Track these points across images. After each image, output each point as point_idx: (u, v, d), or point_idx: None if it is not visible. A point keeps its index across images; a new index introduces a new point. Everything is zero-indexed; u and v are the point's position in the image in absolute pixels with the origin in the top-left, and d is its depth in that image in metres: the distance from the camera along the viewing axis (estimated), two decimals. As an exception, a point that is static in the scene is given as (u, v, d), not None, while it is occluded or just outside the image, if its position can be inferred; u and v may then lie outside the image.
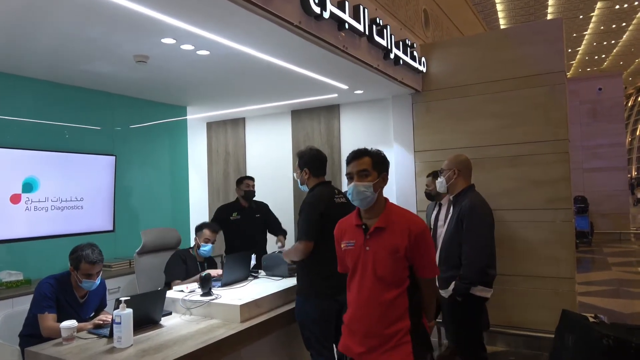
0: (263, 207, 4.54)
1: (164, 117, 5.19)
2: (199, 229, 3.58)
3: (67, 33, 2.87)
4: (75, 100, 4.24)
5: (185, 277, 3.36)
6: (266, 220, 4.47)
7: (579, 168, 11.49)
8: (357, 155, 2.08)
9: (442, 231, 3.17)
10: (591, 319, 2.87)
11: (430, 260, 2.00)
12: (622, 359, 2.46)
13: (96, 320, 2.53)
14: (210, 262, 3.69)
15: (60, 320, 2.45)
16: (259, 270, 3.49)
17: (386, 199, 2.10)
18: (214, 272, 3.14)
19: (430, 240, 2.01)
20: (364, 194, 2.01)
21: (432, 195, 3.96)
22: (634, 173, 35.92)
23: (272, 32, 2.82)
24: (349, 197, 2.09)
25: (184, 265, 3.43)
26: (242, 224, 4.33)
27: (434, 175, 3.81)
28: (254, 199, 4.46)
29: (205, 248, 3.52)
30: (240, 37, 3.00)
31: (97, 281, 2.72)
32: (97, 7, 2.48)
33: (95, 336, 2.37)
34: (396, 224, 1.99)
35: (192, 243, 3.68)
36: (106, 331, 2.37)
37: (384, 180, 2.07)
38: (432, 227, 3.82)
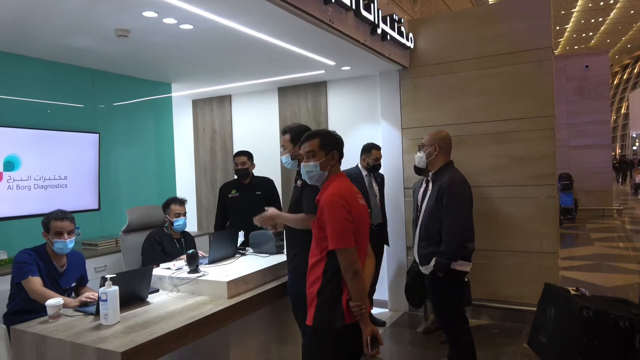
0: (265, 183, 4.30)
1: (149, 94, 5.09)
2: (166, 206, 3.53)
3: (45, 6, 2.78)
4: (57, 77, 4.12)
5: (162, 257, 3.31)
6: (268, 197, 4.20)
7: (565, 145, 11.60)
8: (308, 137, 2.28)
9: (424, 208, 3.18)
10: (572, 292, 2.93)
11: (330, 232, 2.06)
12: (600, 330, 2.53)
13: (82, 298, 2.52)
14: (187, 238, 3.66)
15: None
16: (247, 248, 3.49)
17: (336, 175, 2.25)
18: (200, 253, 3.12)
19: (333, 214, 2.06)
20: (311, 172, 2.24)
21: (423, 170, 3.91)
22: (618, 151, 36.42)
23: (255, 5, 2.75)
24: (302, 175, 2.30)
25: (159, 246, 3.40)
26: (240, 201, 4.16)
27: None
28: (258, 174, 4.28)
29: (179, 222, 3.49)
30: (223, 11, 2.93)
31: (70, 243, 2.73)
32: (75, -22, 2.40)
33: (82, 314, 2.37)
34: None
35: None
36: (92, 308, 2.36)
37: (333, 157, 2.25)
38: (419, 204, 3.84)
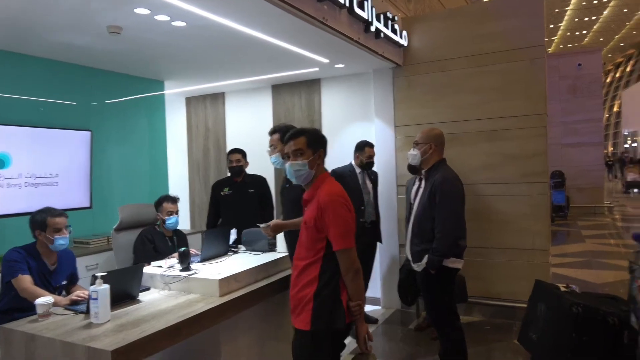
0: (258, 181, 4.28)
1: (141, 91, 5.07)
2: (158, 204, 3.52)
3: (38, 3, 2.76)
4: (49, 74, 4.10)
5: (154, 255, 3.30)
6: (260, 195, 4.21)
7: (557, 143, 11.66)
8: (293, 135, 2.22)
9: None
10: (563, 289, 2.95)
11: (336, 233, 2.03)
12: (590, 326, 2.55)
13: (73, 297, 2.51)
14: (179, 236, 3.65)
15: None
16: (239, 246, 3.48)
17: (323, 175, 2.21)
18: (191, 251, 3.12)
19: (338, 214, 2.03)
20: (299, 171, 2.17)
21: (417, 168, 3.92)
22: (610, 149, 36.65)
23: (249, 2, 2.75)
24: (287, 174, 2.22)
25: (151, 244, 3.40)
26: (233, 199, 4.14)
27: None
28: (251, 172, 4.26)
29: (171, 220, 3.48)
30: (217, 8, 2.92)
31: (68, 237, 2.73)
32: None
33: (72, 312, 2.36)
34: (316, 196, 2.13)
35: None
36: (83, 307, 2.35)
37: (320, 156, 2.21)
38: (412, 202, 3.85)
